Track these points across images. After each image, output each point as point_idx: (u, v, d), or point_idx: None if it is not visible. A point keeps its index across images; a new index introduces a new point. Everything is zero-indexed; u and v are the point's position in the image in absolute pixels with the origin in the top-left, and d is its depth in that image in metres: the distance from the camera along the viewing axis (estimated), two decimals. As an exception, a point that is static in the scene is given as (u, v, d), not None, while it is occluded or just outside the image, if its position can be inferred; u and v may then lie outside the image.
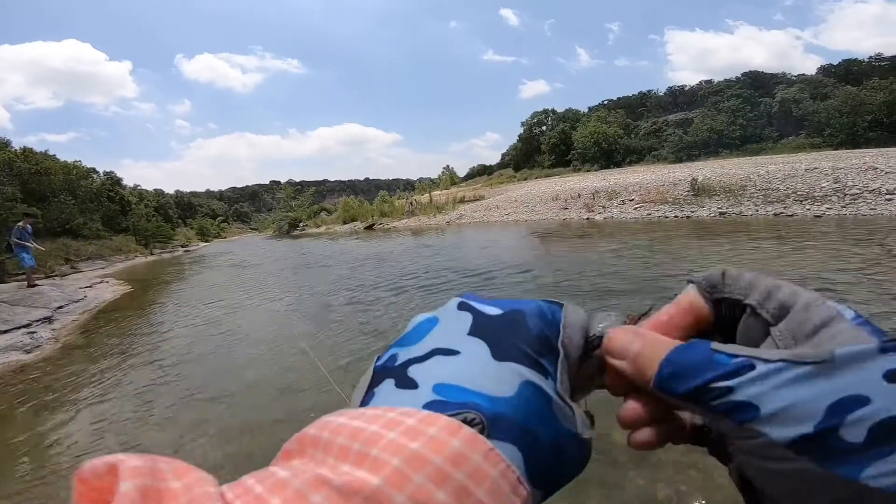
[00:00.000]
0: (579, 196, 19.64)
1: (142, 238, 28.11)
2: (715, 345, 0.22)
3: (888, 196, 11.07)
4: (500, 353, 0.25)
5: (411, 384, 0.23)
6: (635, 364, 0.25)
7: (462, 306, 0.28)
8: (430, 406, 0.22)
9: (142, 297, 10.50)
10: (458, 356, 0.25)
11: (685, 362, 0.22)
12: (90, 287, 11.65)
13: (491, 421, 0.21)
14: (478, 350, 0.25)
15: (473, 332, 0.26)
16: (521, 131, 74.43)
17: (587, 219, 15.42)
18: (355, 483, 0.17)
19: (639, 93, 72.14)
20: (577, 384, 0.27)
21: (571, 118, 66.32)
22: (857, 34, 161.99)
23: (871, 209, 10.54)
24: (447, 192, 35.03)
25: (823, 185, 13.08)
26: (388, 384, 0.24)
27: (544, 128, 70.70)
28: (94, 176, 29.95)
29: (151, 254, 26.44)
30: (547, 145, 65.04)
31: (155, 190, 64.07)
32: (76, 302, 9.27)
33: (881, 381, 0.18)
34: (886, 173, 13.17)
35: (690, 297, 0.27)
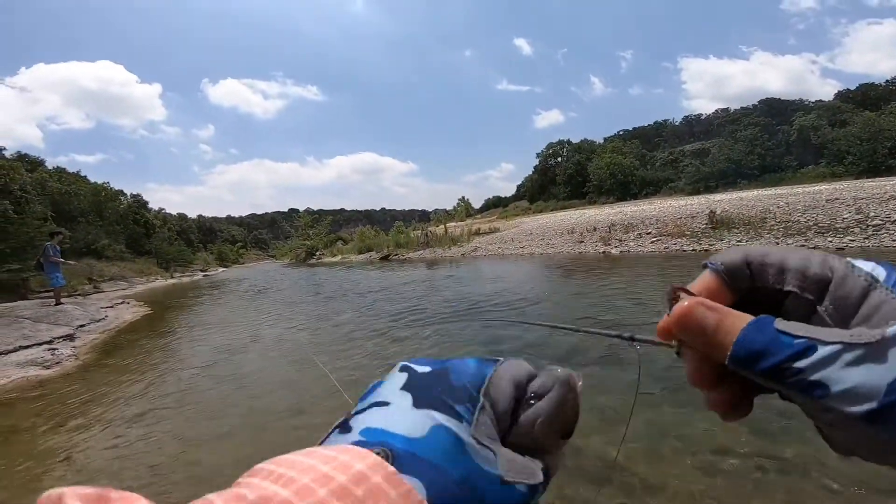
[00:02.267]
0: (595, 229, 19.53)
1: (163, 261, 28.72)
2: (779, 323, 0.23)
3: (912, 227, 10.85)
4: (419, 402, 0.28)
5: (347, 429, 0.27)
6: (712, 340, 0.25)
7: (403, 368, 0.32)
8: (354, 444, 0.25)
9: (161, 319, 10.65)
10: (387, 406, 0.28)
11: (755, 344, 0.23)
12: (111, 307, 11.88)
13: (400, 456, 0.24)
14: (403, 401, 0.28)
15: (404, 387, 0.30)
16: (537, 162, 75.05)
17: (603, 252, 15.30)
18: (267, 494, 0.20)
19: (654, 122, 72.72)
20: (524, 439, 0.29)
21: (587, 149, 66.68)
22: (873, 56, 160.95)
23: (894, 240, 10.33)
24: (462, 224, 35.23)
25: (845, 216, 12.86)
26: (336, 432, 0.28)
27: (560, 159, 71.16)
28: (122, 198, 30.93)
29: (171, 277, 26.89)
30: (562, 177, 65.29)
31: (178, 214, 65.94)
32: (98, 321, 9.46)
33: None
34: (909, 204, 12.94)
35: (708, 284, 0.28)
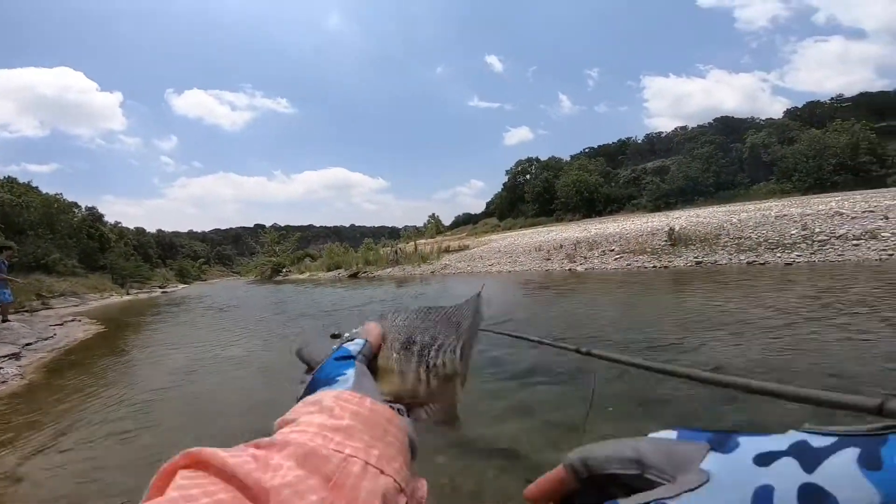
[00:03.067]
0: (561, 247, 19.98)
1: (118, 277, 27.55)
2: (622, 501, 0.28)
3: (854, 242, 11.54)
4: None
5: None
6: None
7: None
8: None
9: (114, 337, 10.22)
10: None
11: None
12: (61, 325, 11.33)
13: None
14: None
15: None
16: (506, 180, 76.31)
17: (569, 270, 15.63)
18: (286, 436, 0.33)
19: (618, 140, 75.05)
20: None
21: (554, 166, 68.29)
22: (819, 74, 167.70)
23: (839, 255, 10.94)
24: (432, 241, 35.29)
25: (792, 232, 13.61)
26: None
27: (528, 176, 72.54)
28: (76, 211, 29.63)
29: (127, 293, 25.86)
30: (531, 194, 66.52)
31: (136, 228, 63.50)
32: (46, 339, 9.01)
33: (753, 467, 0.24)
34: (852, 218, 13.80)
35: (557, 475, 0.33)
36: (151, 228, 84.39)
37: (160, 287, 33.27)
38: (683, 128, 68.34)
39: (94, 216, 31.97)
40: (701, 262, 13.00)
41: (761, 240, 13.68)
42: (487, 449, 3.03)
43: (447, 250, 28.57)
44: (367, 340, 0.53)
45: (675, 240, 15.61)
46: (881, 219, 13.06)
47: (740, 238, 14.46)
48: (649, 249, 15.72)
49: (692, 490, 0.25)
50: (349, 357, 0.49)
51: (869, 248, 10.98)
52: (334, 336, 0.58)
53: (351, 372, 0.45)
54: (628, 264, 14.61)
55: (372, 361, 0.52)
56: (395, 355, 0.54)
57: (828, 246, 11.80)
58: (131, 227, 58.45)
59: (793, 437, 0.25)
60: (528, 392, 4.04)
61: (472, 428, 3.32)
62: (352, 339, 0.54)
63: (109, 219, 38.67)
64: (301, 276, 29.72)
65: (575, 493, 0.32)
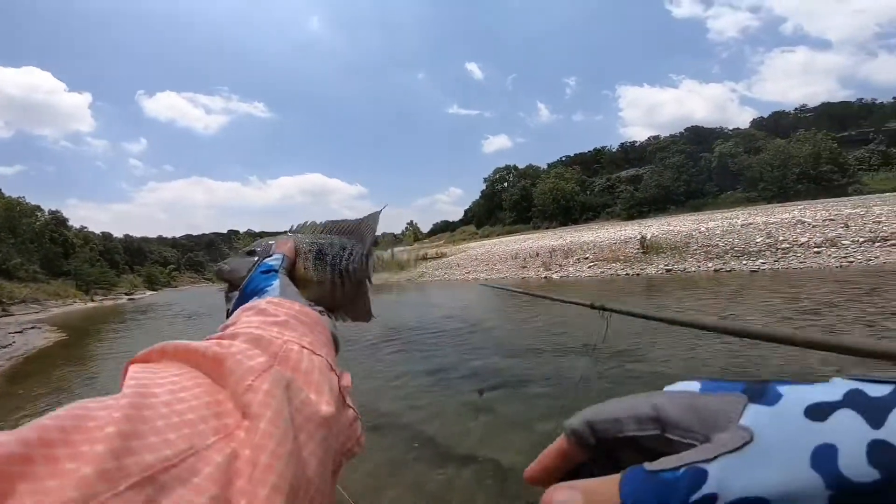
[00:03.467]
0: (537, 255, 20.24)
1: (83, 283, 26.61)
2: (650, 465, 0.22)
3: (816, 249, 11.99)
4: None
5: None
6: None
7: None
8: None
9: (76, 346, 9.90)
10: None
11: (645, 493, 0.22)
12: (20, 332, 10.91)
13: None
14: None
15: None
16: (484, 187, 76.75)
17: (545, 277, 15.83)
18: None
19: (594, 149, 76.25)
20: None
21: (532, 175, 69.01)
22: (785, 84, 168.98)
23: (801, 262, 11.34)
24: (410, 249, 35.16)
25: (758, 240, 14.07)
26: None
27: (506, 184, 73.15)
28: (39, 214, 28.54)
29: (92, 300, 25.05)
30: (509, 202, 67.06)
31: (102, 233, 61.30)
32: (4, 348, 8.69)
33: (806, 422, 0.20)
34: (813, 227, 14.34)
35: (560, 447, 0.28)
36: (119, 234, 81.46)
37: (127, 294, 32.27)
38: (656, 137, 70.01)
39: (58, 220, 30.81)
40: (671, 270, 13.31)
41: (728, 248, 14.10)
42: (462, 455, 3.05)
43: (425, 258, 28.54)
44: (284, 255, 0.60)
45: (647, 248, 15.96)
46: (841, 227, 13.61)
47: (708, 246, 14.87)
48: (622, 257, 16.03)
49: (734, 451, 0.21)
50: (272, 271, 0.55)
51: (829, 255, 11.43)
52: (250, 253, 0.63)
53: (276, 283, 0.50)
54: (602, 272, 14.86)
55: (290, 272, 0.60)
56: (311, 265, 0.63)
57: (791, 254, 12.22)
58: (97, 231, 56.50)
59: (842, 385, 0.21)
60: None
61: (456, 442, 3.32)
62: (269, 255, 0.60)
63: (74, 223, 37.25)
64: (275, 283, 29.22)
65: (582, 465, 0.28)
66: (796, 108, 62.61)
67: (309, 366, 0.35)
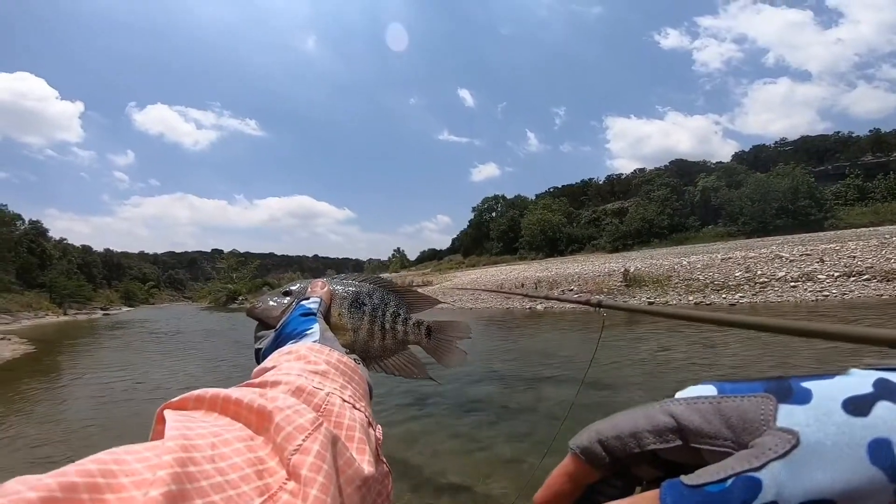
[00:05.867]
0: (523, 285, 20.38)
1: (57, 296, 26.09)
2: (687, 479, 0.21)
3: (793, 284, 12.24)
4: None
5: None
6: None
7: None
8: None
9: (44, 359, 9.79)
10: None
11: None
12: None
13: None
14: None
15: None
16: (472, 216, 77.41)
17: (529, 308, 15.88)
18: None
19: (581, 180, 77.34)
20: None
21: (520, 205, 69.82)
22: (766, 116, 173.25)
23: (778, 296, 11.57)
24: (396, 276, 35.13)
25: (737, 274, 14.33)
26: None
27: (494, 214, 73.90)
28: (18, 223, 28.01)
29: (65, 314, 24.64)
30: (496, 232, 67.61)
31: (82, 246, 60.17)
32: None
33: (849, 419, 0.19)
34: (790, 261, 14.66)
35: (569, 467, 0.26)
36: (99, 248, 79.92)
37: (102, 309, 31.72)
38: (641, 170, 71.46)
39: (38, 230, 30.26)
40: (653, 303, 13.42)
41: (708, 281, 14.32)
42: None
43: (411, 286, 28.53)
44: (321, 298, 0.60)
45: (630, 280, 16.15)
46: (817, 262, 13.94)
47: (689, 279, 15.09)
48: (606, 290, 16.17)
49: (783, 456, 0.19)
50: (311, 314, 0.55)
51: (805, 289, 11.67)
52: (286, 293, 0.63)
53: (316, 327, 0.51)
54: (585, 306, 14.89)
55: (325, 317, 0.59)
56: (346, 312, 0.63)
57: (768, 288, 12.46)
58: (77, 244, 55.26)
59: (866, 375, 0.21)
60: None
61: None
62: (306, 298, 0.60)
63: (54, 234, 36.59)
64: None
65: (595, 486, 0.26)
66: (776, 142, 64.69)
67: (351, 422, 0.35)
